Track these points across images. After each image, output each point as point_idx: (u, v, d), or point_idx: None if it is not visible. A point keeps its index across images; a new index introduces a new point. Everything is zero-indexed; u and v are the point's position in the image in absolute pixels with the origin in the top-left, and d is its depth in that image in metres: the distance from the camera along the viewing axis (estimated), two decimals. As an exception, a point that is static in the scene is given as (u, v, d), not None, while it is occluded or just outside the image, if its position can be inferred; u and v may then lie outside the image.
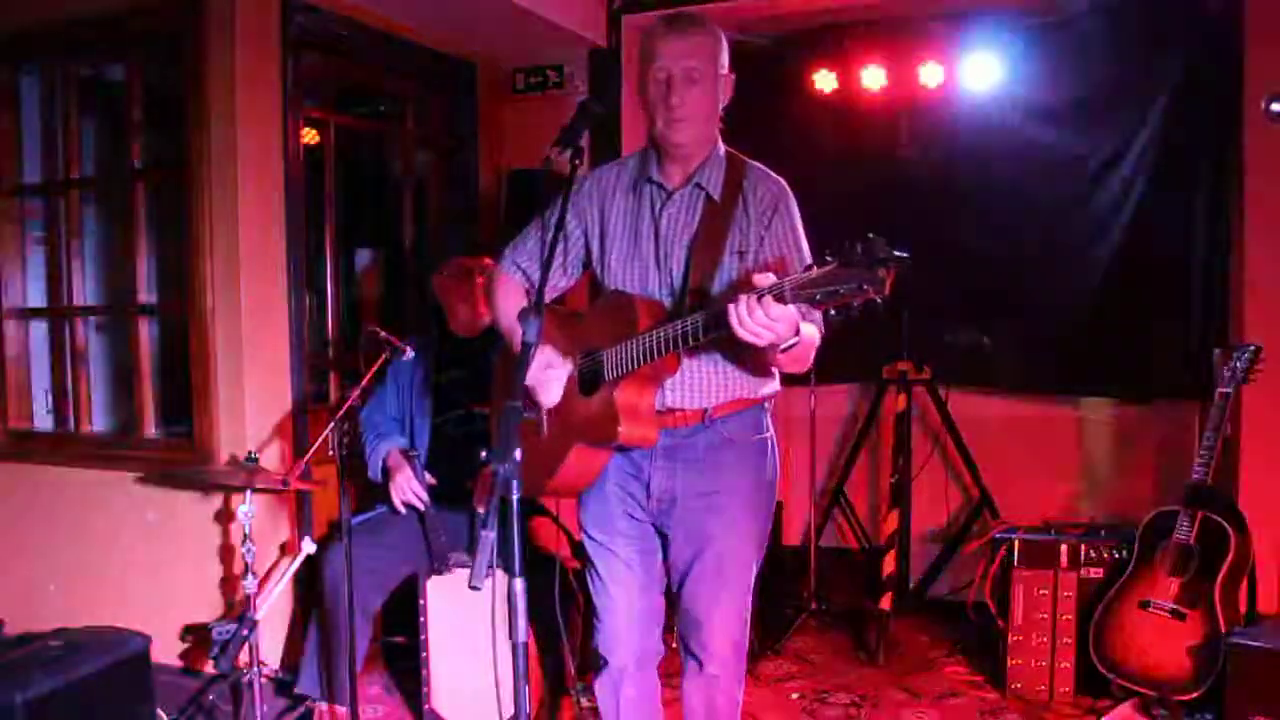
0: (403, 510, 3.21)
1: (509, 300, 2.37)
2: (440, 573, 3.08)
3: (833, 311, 1.71)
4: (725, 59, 2.20)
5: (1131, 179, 3.89)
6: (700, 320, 1.94)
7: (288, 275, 3.48)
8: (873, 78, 4.16)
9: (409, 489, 3.18)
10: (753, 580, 2.31)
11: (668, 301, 2.18)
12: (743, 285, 2.11)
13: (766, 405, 2.29)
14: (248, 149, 3.31)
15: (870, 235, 1.62)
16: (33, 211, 3.91)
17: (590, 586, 2.38)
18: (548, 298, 2.37)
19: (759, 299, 1.78)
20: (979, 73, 4.02)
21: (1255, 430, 3.55)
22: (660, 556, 2.33)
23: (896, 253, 1.58)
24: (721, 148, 2.25)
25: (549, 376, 2.14)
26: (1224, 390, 3.30)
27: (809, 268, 1.70)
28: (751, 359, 2.14)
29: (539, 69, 4.54)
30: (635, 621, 2.33)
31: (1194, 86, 3.71)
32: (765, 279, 1.78)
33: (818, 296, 1.67)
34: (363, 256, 4.73)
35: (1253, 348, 3.31)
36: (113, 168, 3.96)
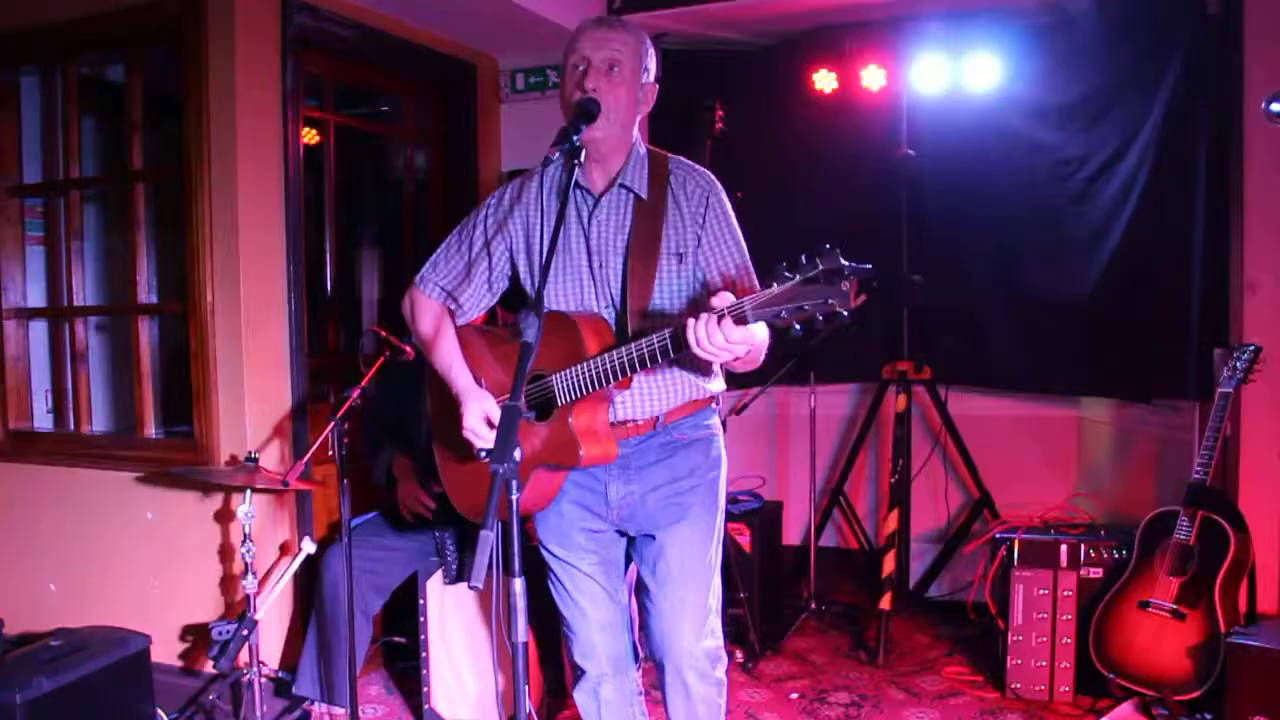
0: (410, 520, 3.21)
1: (436, 334, 2.29)
2: (454, 582, 3.09)
3: (797, 326, 1.67)
4: (651, 65, 2.17)
5: (1131, 179, 3.89)
6: (658, 343, 1.91)
7: (288, 275, 3.48)
8: (873, 78, 4.16)
9: (415, 498, 3.19)
10: (716, 584, 2.28)
11: (608, 314, 2.14)
12: (691, 294, 2.11)
13: (714, 405, 2.29)
14: (248, 149, 3.31)
15: (828, 246, 1.57)
16: (33, 211, 3.91)
17: (556, 599, 2.36)
18: (473, 317, 2.34)
19: (719, 321, 1.74)
20: (979, 73, 4.02)
21: (1255, 430, 3.55)
22: (623, 562, 2.34)
23: (856, 264, 1.54)
24: (642, 147, 2.20)
25: (488, 436, 2.07)
26: (1224, 390, 3.30)
27: (768, 285, 1.66)
28: (698, 364, 2.13)
29: (539, 69, 4.53)
30: (606, 629, 2.32)
31: (1194, 86, 3.70)
32: (724, 299, 1.75)
33: (782, 314, 1.64)
34: (363, 256, 4.73)
35: (1253, 348, 3.31)
36: (113, 168, 3.97)
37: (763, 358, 2.09)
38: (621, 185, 2.15)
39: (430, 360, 2.31)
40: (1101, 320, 4.02)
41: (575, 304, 2.18)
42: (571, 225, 2.18)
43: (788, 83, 4.36)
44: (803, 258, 1.58)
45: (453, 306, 2.33)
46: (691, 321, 1.80)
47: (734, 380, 2.51)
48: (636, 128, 2.20)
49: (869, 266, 1.55)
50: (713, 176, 2.20)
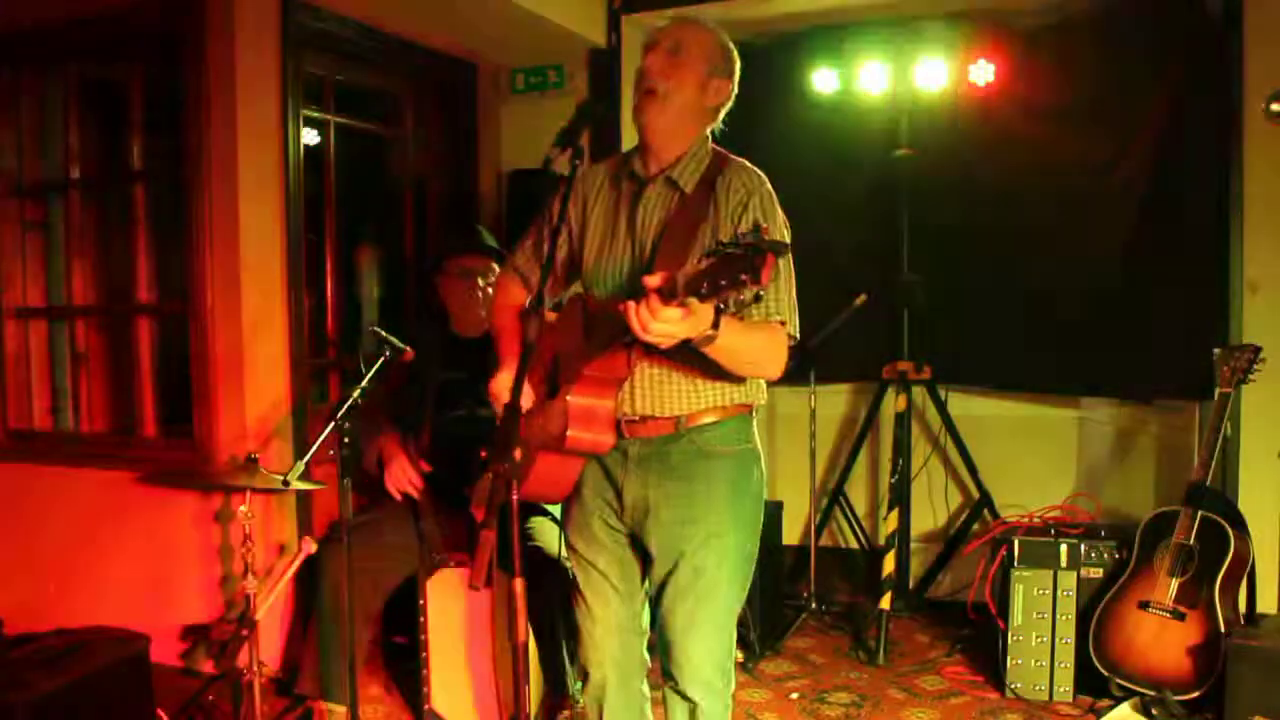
0: (398, 498, 3.19)
1: (500, 309, 2.35)
2: (432, 566, 3.07)
3: (721, 305, 1.68)
4: (722, 64, 2.17)
5: (1131, 179, 3.89)
6: (615, 325, 1.88)
7: (288, 275, 3.48)
8: (873, 78, 4.16)
9: (404, 477, 3.16)
10: (738, 601, 2.22)
11: None
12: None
13: (751, 415, 2.21)
14: (248, 149, 3.32)
15: (756, 224, 1.61)
16: (33, 211, 3.91)
17: (572, 599, 2.34)
18: (548, 303, 2.36)
19: (649, 299, 1.73)
20: (979, 73, 4.02)
21: (1255, 430, 3.55)
22: (640, 568, 2.27)
23: (772, 239, 1.57)
24: (709, 146, 2.19)
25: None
26: (1224, 390, 3.30)
27: (700, 260, 1.66)
28: (710, 368, 2.06)
29: (539, 69, 4.53)
30: (615, 633, 2.28)
31: (1194, 86, 3.70)
32: (655, 279, 1.73)
33: (704, 290, 1.63)
34: (363, 256, 4.73)
35: (1253, 348, 3.31)
36: (113, 168, 3.97)
37: (768, 358, 2.03)
38: (668, 178, 2.13)
39: (491, 334, 2.37)
40: (1101, 320, 4.02)
41: (618, 289, 2.16)
42: (621, 210, 2.18)
43: (788, 83, 4.36)
44: (734, 235, 1.60)
45: (529, 289, 2.35)
46: (628, 304, 1.78)
47: None
48: (707, 129, 2.19)
49: (784, 243, 1.60)
50: (763, 181, 2.13)
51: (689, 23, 2.17)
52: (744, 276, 1.57)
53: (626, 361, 2.03)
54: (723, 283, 1.60)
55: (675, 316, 1.73)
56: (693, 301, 1.70)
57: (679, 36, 2.11)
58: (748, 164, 2.19)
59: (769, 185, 2.14)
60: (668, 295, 1.70)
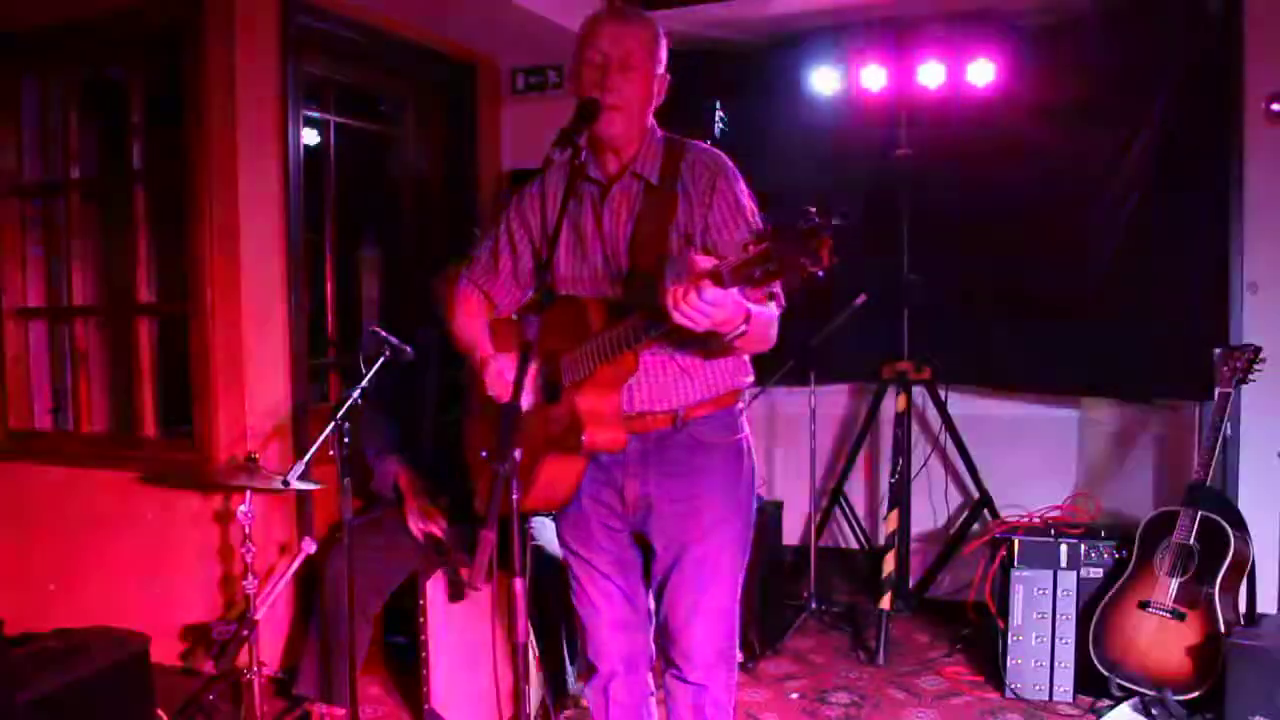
0: (421, 539, 3.19)
1: (466, 318, 2.34)
2: (459, 599, 3.08)
3: (776, 290, 1.64)
4: (663, 57, 2.17)
5: (1132, 179, 3.89)
6: (643, 316, 1.90)
7: (288, 275, 3.48)
8: (873, 78, 4.16)
9: (427, 520, 3.17)
10: (738, 586, 2.25)
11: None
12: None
13: (740, 406, 2.24)
14: (248, 149, 3.32)
15: (806, 207, 1.54)
16: (33, 211, 3.92)
17: (573, 596, 2.36)
18: (508, 312, 2.36)
19: (695, 284, 1.71)
20: (979, 73, 4.02)
21: (1255, 430, 3.55)
22: (641, 564, 2.30)
23: (832, 220, 1.51)
24: (659, 133, 2.21)
25: (509, 383, 2.04)
26: (1224, 390, 3.30)
27: (745, 246, 1.62)
28: (716, 352, 2.09)
29: (539, 69, 4.54)
30: (620, 629, 2.31)
31: (1194, 86, 3.70)
32: (705, 261, 1.72)
33: (757, 275, 1.60)
34: (363, 256, 4.74)
35: (1253, 348, 3.31)
36: (113, 168, 3.97)
37: (772, 334, 2.05)
38: (632, 173, 2.15)
39: (460, 346, 2.34)
40: (1101, 320, 4.02)
41: (592, 291, 2.17)
42: (587, 215, 2.19)
43: (788, 83, 4.36)
44: (779, 218, 1.56)
45: (488, 301, 2.36)
46: (669, 286, 1.77)
47: None
48: (651, 115, 2.20)
49: (842, 221, 1.51)
50: (725, 159, 2.17)
51: (628, 26, 2.13)
52: (804, 260, 1.52)
53: (634, 359, 2.04)
54: (775, 269, 1.56)
55: (724, 300, 1.72)
56: (733, 291, 1.69)
57: (627, 46, 2.09)
58: (702, 144, 2.22)
59: (729, 161, 2.17)
60: (713, 279, 1.68)
